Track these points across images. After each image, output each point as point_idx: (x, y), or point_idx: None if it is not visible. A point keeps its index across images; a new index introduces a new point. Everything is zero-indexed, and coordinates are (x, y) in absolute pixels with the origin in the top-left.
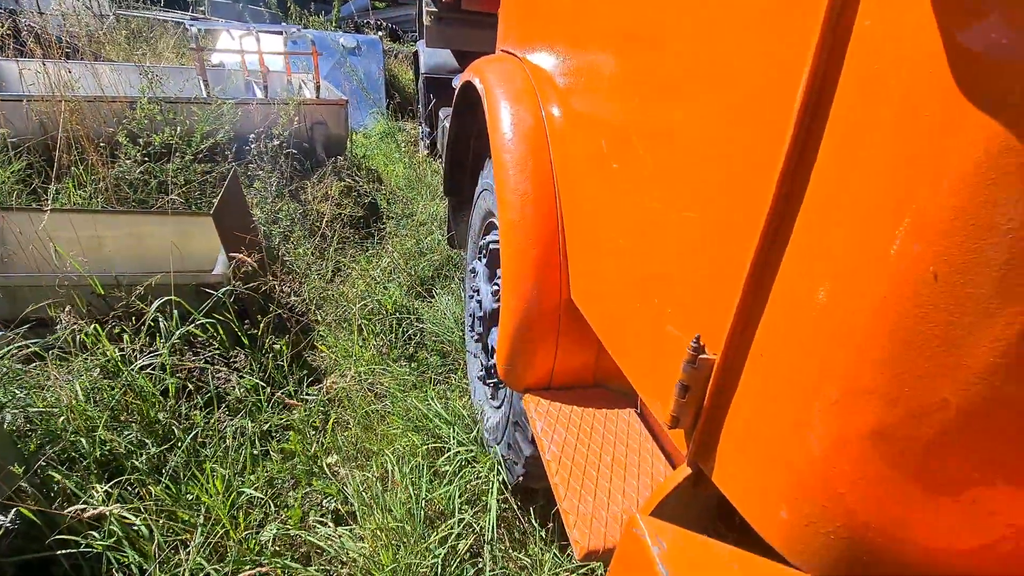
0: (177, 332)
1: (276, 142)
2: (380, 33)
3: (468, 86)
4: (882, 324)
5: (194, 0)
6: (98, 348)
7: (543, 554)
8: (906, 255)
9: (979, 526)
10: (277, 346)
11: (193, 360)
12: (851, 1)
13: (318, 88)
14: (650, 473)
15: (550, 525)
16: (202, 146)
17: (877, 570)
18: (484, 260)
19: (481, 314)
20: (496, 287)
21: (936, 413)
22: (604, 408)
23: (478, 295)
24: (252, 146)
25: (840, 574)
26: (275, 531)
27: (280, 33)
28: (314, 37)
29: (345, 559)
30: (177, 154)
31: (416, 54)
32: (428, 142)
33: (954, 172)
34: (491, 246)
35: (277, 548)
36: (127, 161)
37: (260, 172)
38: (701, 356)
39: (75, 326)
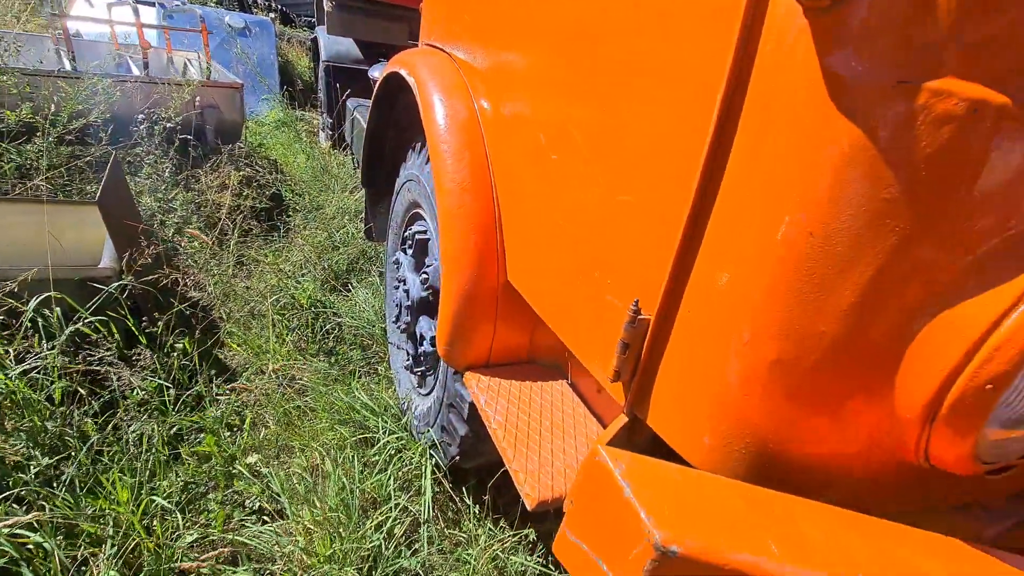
0: (65, 332)
1: (168, 125)
2: (272, 15)
3: (393, 77)
4: (777, 277)
5: None
6: None
7: (477, 529)
8: (793, 224)
9: (845, 428)
10: (180, 344)
11: (86, 361)
12: (756, 27)
13: (209, 69)
14: (584, 434)
15: (484, 498)
16: (71, 126)
17: (776, 471)
18: (410, 250)
19: (409, 303)
20: (425, 276)
21: (815, 342)
22: (539, 381)
23: (404, 284)
24: (138, 128)
25: (750, 478)
26: (195, 535)
27: (153, 4)
28: (198, 13)
29: (278, 556)
30: (39, 134)
31: (315, 40)
32: (331, 133)
33: (825, 160)
34: (417, 236)
35: (199, 554)
36: None
37: (148, 158)
38: (640, 317)
39: None
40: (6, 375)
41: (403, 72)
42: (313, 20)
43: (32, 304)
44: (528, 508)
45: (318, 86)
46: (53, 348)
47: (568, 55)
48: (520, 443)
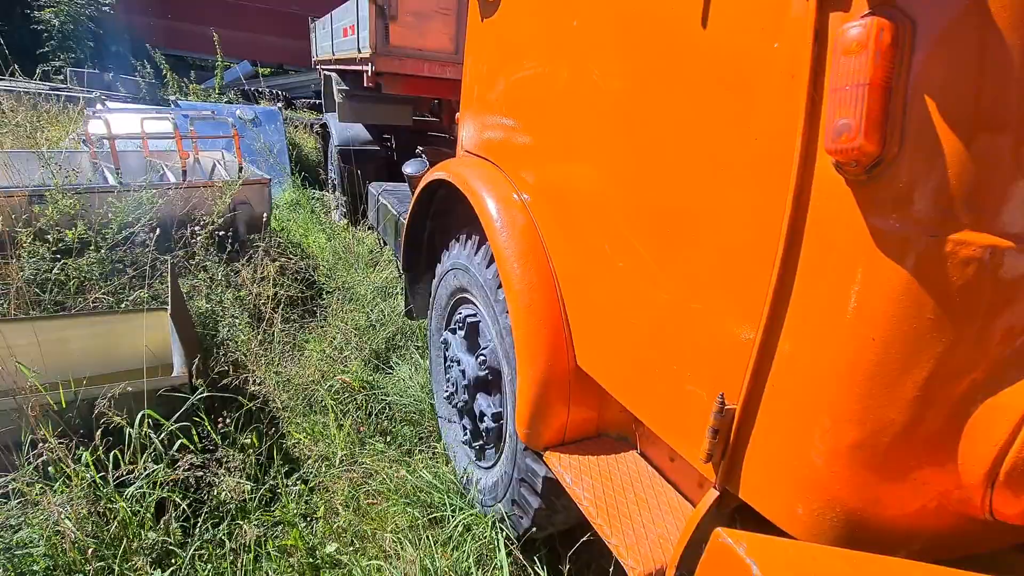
0: (155, 442)
1: (211, 227)
2: (279, 104)
3: (437, 181)
4: (852, 376)
5: (51, 69)
6: (77, 473)
7: None
8: (858, 336)
9: (919, 495)
10: (249, 440)
11: (180, 469)
12: (807, 186)
13: (240, 169)
14: (667, 502)
15: (561, 567)
16: (118, 237)
17: (863, 533)
18: (460, 331)
19: (466, 382)
20: (482, 357)
21: (888, 427)
22: (612, 454)
23: (459, 365)
24: (184, 233)
25: (841, 540)
26: None
27: (170, 114)
28: (212, 111)
29: None
30: (91, 248)
31: (324, 126)
32: (346, 211)
33: (877, 292)
34: (468, 319)
35: None
36: (34, 260)
37: (195, 260)
38: (726, 407)
39: (44, 451)
40: (120, 493)
41: (451, 179)
42: (314, 102)
43: (137, 422)
44: None
45: (328, 166)
46: (158, 463)
47: (631, 190)
48: (613, 518)
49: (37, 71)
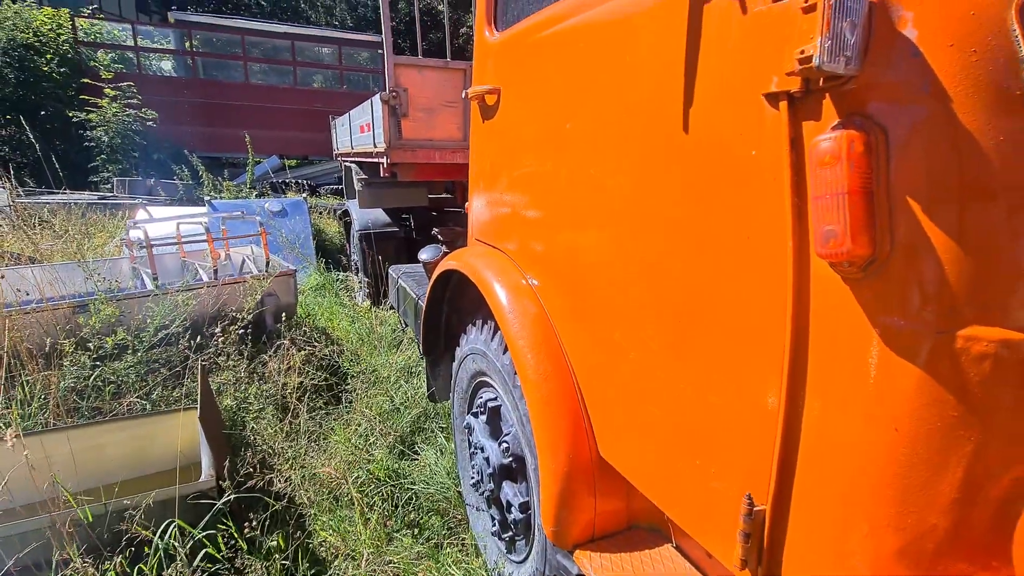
0: (180, 553)
1: (242, 324)
2: (304, 194)
3: (449, 272)
4: (883, 479)
5: (100, 179)
6: None
7: None
8: (881, 435)
9: None
10: (274, 542)
11: None
12: (804, 285)
13: (268, 263)
14: None
15: None
16: (154, 339)
17: None
18: (482, 416)
19: (490, 471)
20: (504, 444)
21: (930, 532)
22: (646, 549)
23: (483, 452)
24: (216, 330)
25: None
26: None
27: (203, 218)
28: (242, 207)
29: None
30: (128, 351)
31: (346, 212)
32: (369, 292)
33: (890, 393)
34: (489, 404)
35: None
36: (75, 368)
37: (228, 358)
38: (755, 508)
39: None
40: None
41: (463, 271)
42: (336, 187)
43: (167, 534)
44: None
45: (350, 250)
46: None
47: (639, 281)
48: None
49: (87, 183)
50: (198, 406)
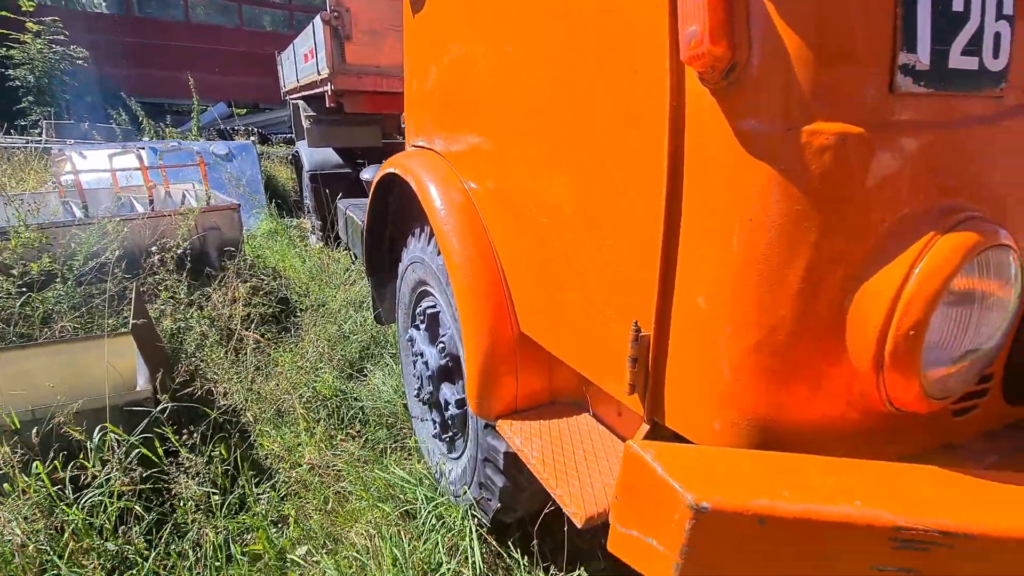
0: (131, 457)
1: (177, 252)
2: (252, 138)
3: (387, 177)
4: (743, 278)
5: (28, 123)
6: (30, 486)
7: None
8: (740, 237)
9: (821, 391)
10: (218, 452)
11: (143, 479)
12: (681, 105)
13: (209, 197)
14: (615, 454)
15: (532, 547)
16: (84, 268)
17: (779, 440)
18: (423, 325)
19: (429, 373)
20: (441, 345)
21: (780, 324)
22: (564, 417)
23: (423, 358)
24: (154, 258)
25: (752, 446)
26: None
27: (144, 148)
28: (178, 142)
29: None
30: (58, 280)
31: (296, 154)
32: (322, 234)
33: (750, 191)
34: (428, 311)
35: None
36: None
37: (163, 284)
38: (641, 334)
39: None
40: (76, 504)
41: (398, 171)
42: (289, 136)
43: (97, 436)
44: (578, 526)
45: (303, 194)
46: (116, 471)
47: (541, 145)
48: (560, 472)
49: (13, 125)
50: (130, 322)
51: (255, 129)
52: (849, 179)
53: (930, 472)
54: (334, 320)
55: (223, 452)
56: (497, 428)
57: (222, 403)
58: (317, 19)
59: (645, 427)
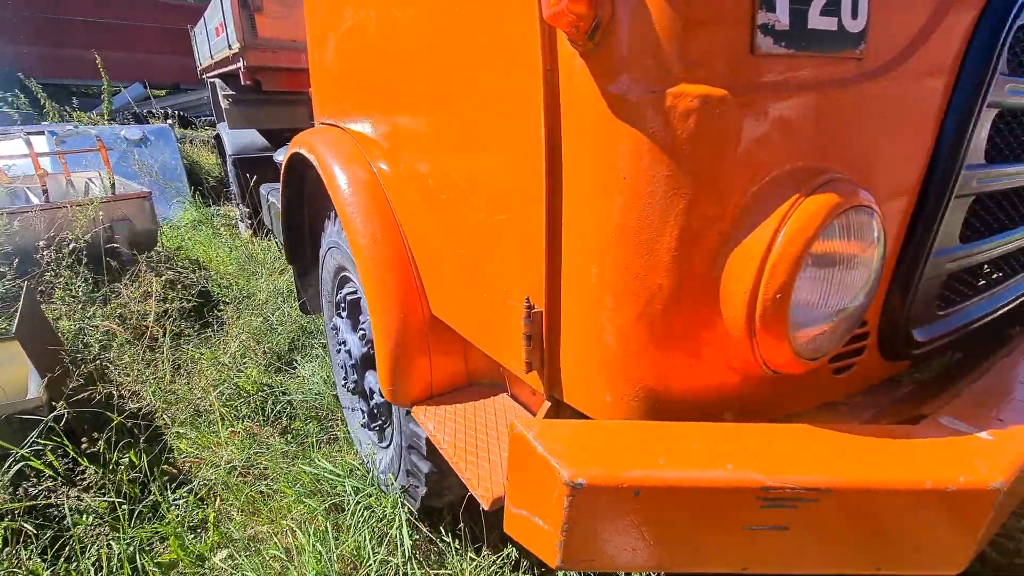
0: (10, 472)
1: (74, 246)
2: (169, 121)
3: (295, 157)
4: (616, 249)
5: None
6: None
7: (461, 563)
8: (618, 206)
9: (703, 359)
10: (126, 459)
11: (26, 495)
12: (555, 71)
13: (113, 184)
14: None
15: (458, 529)
16: None
17: (669, 409)
18: (345, 313)
19: (353, 362)
20: (362, 332)
21: (658, 293)
22: (481, 399)
23: (346, 346)
24: (44, 254)
25: (644, 417)
26: None
27: (42, 133)
28: (92, 133)
29: None
30: None
31: (218, 137)
32: (251, 222)
33: (621, 157)
34: (349, 297)
35: None
36: None
37: (58, 281)
38: (533, 310)
39: None
40: None
41: (303, 151)
42: (213, 119)
43: None
44: (485, 508)
45: (229, 180)
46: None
47: (433, 117)
48: (470, 455)
49: None
50: (15, 326)
51: (175, 112)
52: (715, 142)
53: (803, 431)
54: (260, 312)
55: (132, 458)
56: (412, 415)
57: (131, 407)
58: None
59: (547, 404)
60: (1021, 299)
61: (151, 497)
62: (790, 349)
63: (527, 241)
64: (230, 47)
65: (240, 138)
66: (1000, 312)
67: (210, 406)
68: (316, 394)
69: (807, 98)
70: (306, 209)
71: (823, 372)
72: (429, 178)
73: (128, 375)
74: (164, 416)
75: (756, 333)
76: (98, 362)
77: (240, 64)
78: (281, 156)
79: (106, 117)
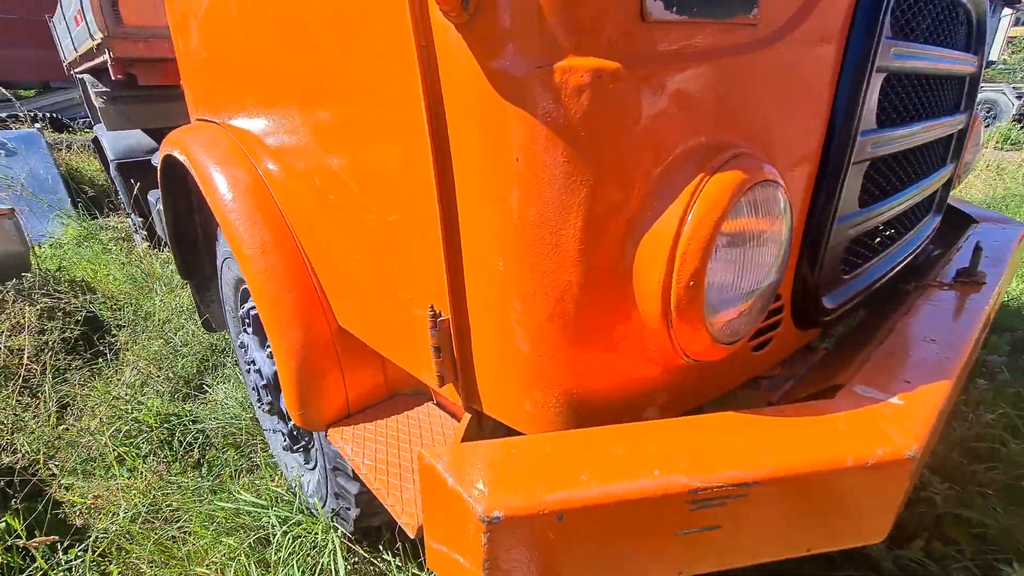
0: None
1: None
2: (38, 125)
3: (170, 160)
4: (518, 247)
5: None
6: None
7: None
8: (515, 200)
9: (621, 355)
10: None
11: None
12: (430, 49)
13: None
14: None
15: (397, 545)
16: None
17: (591, 412)
18: (250, 329)
19: (264, 382)
20: (270, 349)
21: (567, 290)
22: (404, 411)
23: (255, 365)
24: None
25: (575, 426)
26: None
27: None
28: None
29: None
30: None
31: (97, 141)
32: (145, 233)
33: (512, 141)
34: (252, 312)
35: None
36: None
37: None
38: (440, 319)
39: None
40: None
41: (175, 152)
42: (90, 120)
43: None
44: (411, 536)
45: (115, 187)
46: None
47: (309, 109)
48: (392, 478)
49: None
50: None
51: (45, 114)
52: (613, 120)
53: (726, 420)
54: (160, 334)
55: (9, 522)
56: (328, 438)
57: (5, 461)
58: None
59: (467, 416)
60: (912, 255)
61: (35, 565)
62: (708, 336)
63: (424, 243)
64: (92, 37)
65: (121, 140)
66: (897, 270)
67: (103, 447)
68: (232, 418)
69: (704, 68)
70: (197, 216)
71: (742, 351)
72: (316, 177)
73: (3, 424)
74: (49, 466)
75: (673, 323)
76: None
77: (107, 57)
78: (157, 159)
79: None
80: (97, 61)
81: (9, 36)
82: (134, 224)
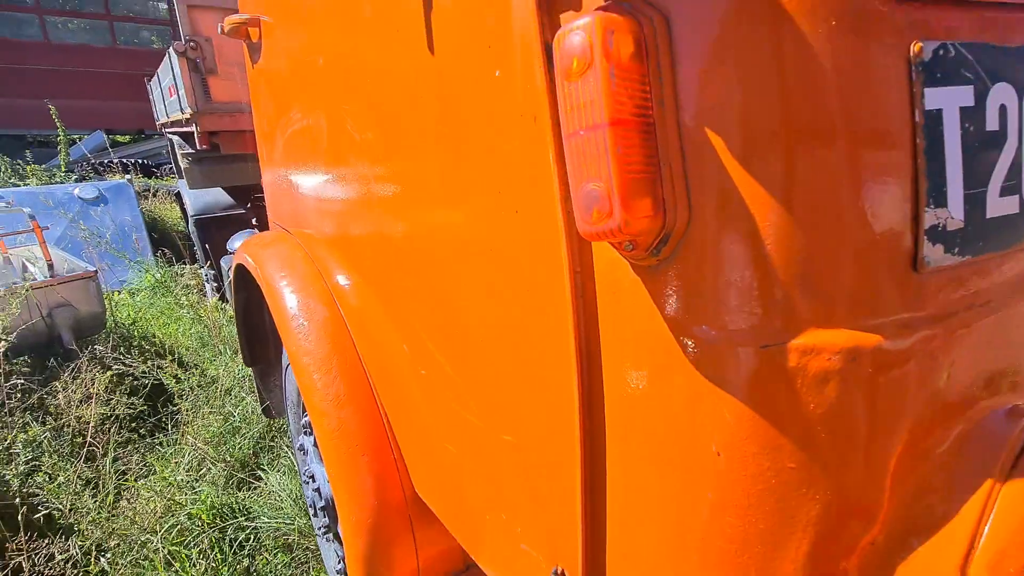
0: None
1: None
2: (128, 176)
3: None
4: (706, 555)
5: None
6: None
7: None
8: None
9: None
10: None
11: None
12: (587, 292)
13: (51, 266)
14: None
15: None
16: None
17: None
18: (312, 437)
19: (323, 504)
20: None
21: None
22: None
23: (314, 482)
24: None
25: None
26: None
27: None
28: (41, 194)
29: None
30: None
31: (179, 195)
32: (217, 285)
33: (707, 438)
34: None
35: None
36: None
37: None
38: None
39: None
40: None
41: (250, 267)
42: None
43: None
44: None
45: (193, 240)
46: None
47: (410, 265)
48: None
49: None
50: None
51: (137, 161)
52: (869, 414)
53: None
54: (221, 408)
55: None
56: None
57: (64, 556)
58: (171, 50)
59: None
60: None
61: None
62: None
63: (551, 495)
64: (182, 111)
65: (202, 198)
66: None
67: (154, 549)
68: (285, 515)
69: (986, 321)
70: (267, 310)
71: None
72: (404, 340)
73: (63, 507)
74: (100, 563)
75: None
76: (26, 489)
77: (194, 128)
78: (238, 243)
79: (63, 170)
80: (185, 129)
81: (107, 90)
82: (206, 276)
